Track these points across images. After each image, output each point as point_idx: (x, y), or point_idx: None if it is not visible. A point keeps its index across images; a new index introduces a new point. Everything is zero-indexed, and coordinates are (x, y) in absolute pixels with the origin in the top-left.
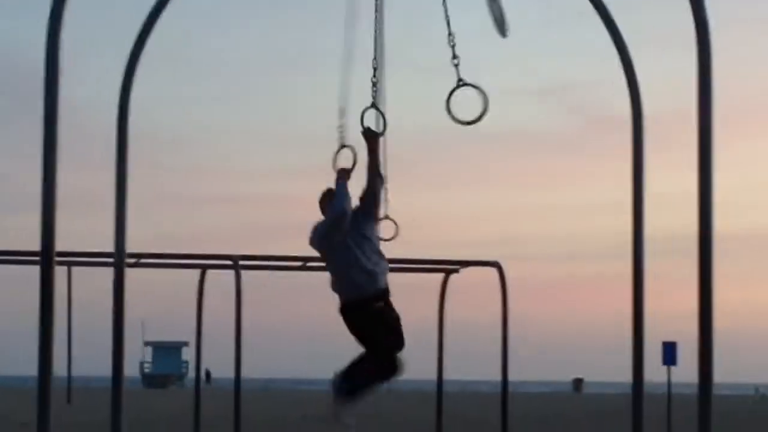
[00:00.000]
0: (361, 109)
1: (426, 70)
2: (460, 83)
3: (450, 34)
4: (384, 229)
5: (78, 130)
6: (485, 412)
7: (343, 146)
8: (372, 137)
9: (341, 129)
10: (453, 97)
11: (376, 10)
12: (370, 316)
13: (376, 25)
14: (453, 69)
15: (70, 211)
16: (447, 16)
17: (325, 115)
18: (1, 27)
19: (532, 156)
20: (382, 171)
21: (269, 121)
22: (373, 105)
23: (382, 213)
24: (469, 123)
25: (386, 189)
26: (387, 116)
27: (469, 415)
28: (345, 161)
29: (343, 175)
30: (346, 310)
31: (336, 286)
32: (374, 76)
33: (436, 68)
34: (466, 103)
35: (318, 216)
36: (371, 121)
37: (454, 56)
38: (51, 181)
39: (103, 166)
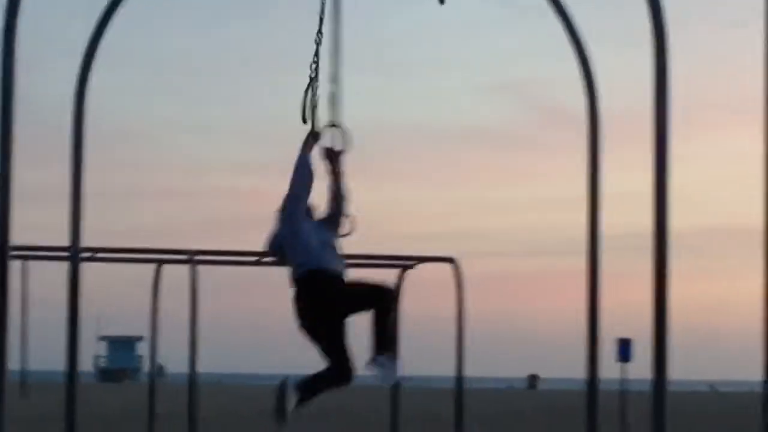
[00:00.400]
0: (321, 127)
1: (386, 66)
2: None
3: (319, 32)
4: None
5: (34, 123)
6: (441, 408)
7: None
8: (334, 158)
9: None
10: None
11: (322, 17)
12: (336, 290)
13: (335, 33)
14: (403, 68)
15: (25, 205)
16: (321, 15)
17: (282, 111)
18: None
19: (489, 152)
20: (346, 192)
21: (226, 116)
22: (333, 123)
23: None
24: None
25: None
26: (343, 111)
27: (425, 411)
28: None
29: (311, 144)
30: (310, 278)
31: (299, 257)
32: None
33: (396, 65)
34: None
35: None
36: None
37: (316, 54)
38: (6, 173)
39: (58, 160)
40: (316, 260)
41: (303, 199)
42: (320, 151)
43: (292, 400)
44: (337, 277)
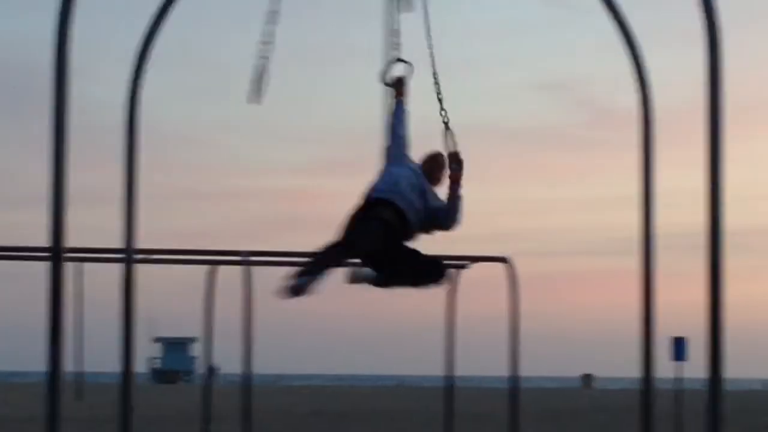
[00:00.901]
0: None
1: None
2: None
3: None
4: None
5: (88, 126)
6: (495, 408)
7: (398, 60)
8: (459, 166)
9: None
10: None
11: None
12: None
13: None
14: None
15: (79, 207)
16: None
17: (333, 112)
18: (10, 25)
19: (542, 151)
20: (457, 198)
21: (278, 117)
22: (447, 126)
23: None
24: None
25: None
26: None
27: (479, 411)
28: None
29: (400, 89)
30: (374, 202)
31: (376, 186)
32: (439, 92)
33: (446, 64)
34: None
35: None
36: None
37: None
38: (60, 176)
39: (112, 162)
40: (387, 194)
41: (398, 130)
42: (447, 158)
43: (363, 279)
44: (395, 208)
